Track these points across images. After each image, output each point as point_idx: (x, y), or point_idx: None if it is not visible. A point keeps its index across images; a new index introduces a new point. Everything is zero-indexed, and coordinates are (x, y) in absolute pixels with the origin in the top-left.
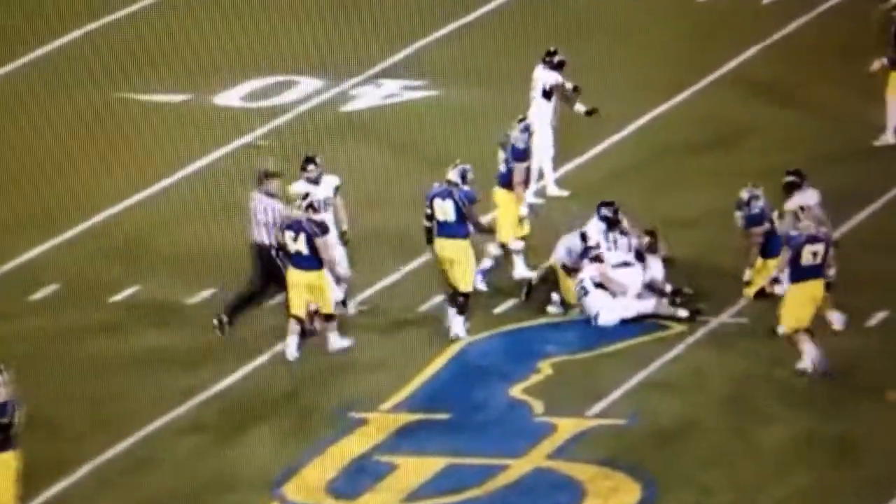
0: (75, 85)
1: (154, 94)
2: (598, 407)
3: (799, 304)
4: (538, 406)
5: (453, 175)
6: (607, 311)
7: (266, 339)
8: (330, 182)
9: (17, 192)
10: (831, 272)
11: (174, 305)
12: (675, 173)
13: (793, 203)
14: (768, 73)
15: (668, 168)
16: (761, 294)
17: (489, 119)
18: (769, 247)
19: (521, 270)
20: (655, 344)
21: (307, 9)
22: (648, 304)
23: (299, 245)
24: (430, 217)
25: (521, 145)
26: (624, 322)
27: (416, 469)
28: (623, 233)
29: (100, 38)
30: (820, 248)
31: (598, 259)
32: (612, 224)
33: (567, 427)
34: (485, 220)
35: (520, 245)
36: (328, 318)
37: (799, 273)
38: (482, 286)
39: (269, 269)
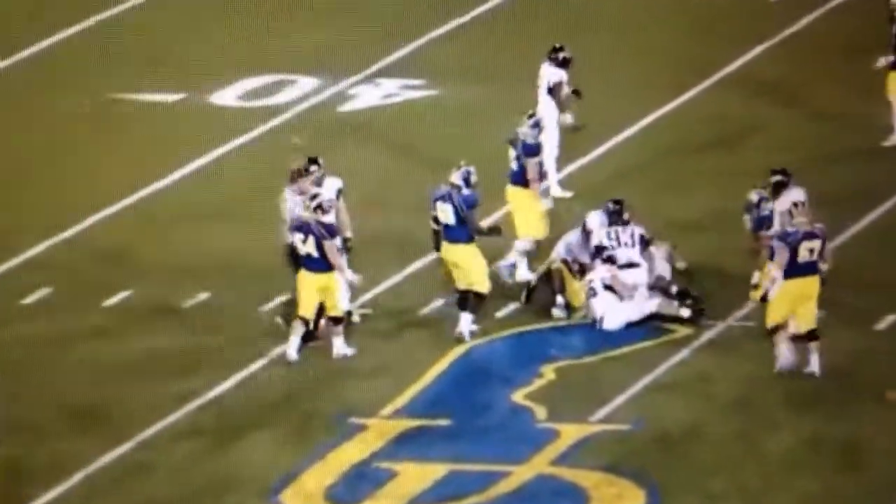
0: (68, 84)
1: (149, 94)
2: (601, 412)
3: (788, 301)
4: (541, 411)
5: (456, 177)
6: (612, 314)
7: (264, 343)
8: (332, 184)
9: (8, 193)
10: (825, 267)
11: (169, 309)
12: (679, 173)
13: (783, 202)
14: (773, 72)
15: (673, 168)
16: (767, 298)
17: (488, 118)
18: None
19: (523, 273)
20: (660, 348)
21: (303, 7)
22: (652, 304)
23: (308, 247)
24: (437, 220)
25: (531, 141)
26: (629, 325)
27: (416, 476)
28: (624, 222)
29: (94, 37)
30: (816, 244)
31: (610, 260)
32: (614, 217)
33: (570, 433)
34: (491, 219)
35: (525, 245)
36: (335, 321)
37: (794, 270)
38: (509, 280)
39: None
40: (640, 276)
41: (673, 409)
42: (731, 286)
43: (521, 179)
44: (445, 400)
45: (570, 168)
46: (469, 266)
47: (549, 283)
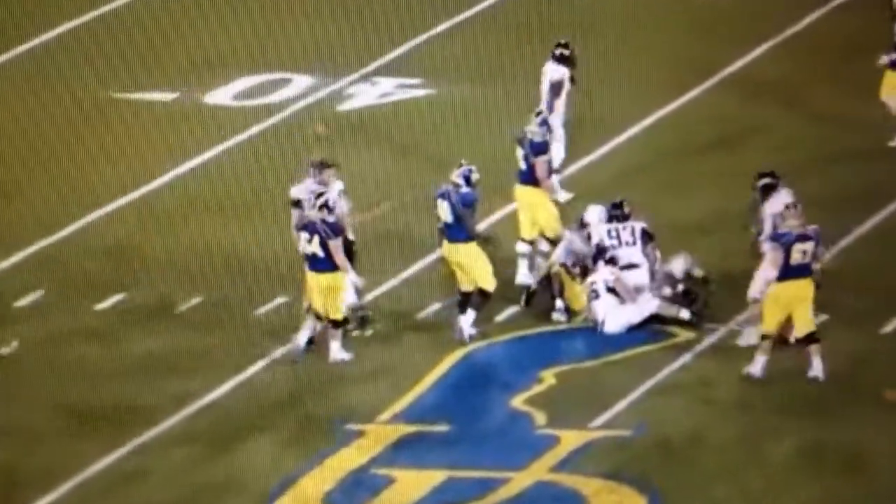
0: (63, 83)
1: (143, 93)
2: (602, 418)
3: (781, 305)
4: (540, 417)
5: (457, 176)
6: (613, 317)
7: (262, 347)
8: (335, 186)
9: (3, 192)
10: (817, 268)
11: (165, 310)
12: (681, 174)
13: (774, 205)
14: (774, 72)
15: (675, 169)
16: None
17: (486, 116)
18: None
19: (523, 275)
20: (662, 352)
21: (300, 5)
22: (652, 305)
23: (314, 247)
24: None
25: (539, 139)
26: (630, 329)
27: (414, 482)
28: (625, 218)
29: (88, 36)
30: (809, 246)
31: (612, 262)
32: (615, 212)
33: (570, 439)
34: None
35: (526, 248)
36: (335, 324)
37: (787, 272)
38: (530, 280)
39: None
40: (640, 278)
41: (674, 414)
42: (733, 289)
43: (530, 178)
44: (444, 405)
45: (573, 168)
46: (472, 265)
47: (549, 286)
